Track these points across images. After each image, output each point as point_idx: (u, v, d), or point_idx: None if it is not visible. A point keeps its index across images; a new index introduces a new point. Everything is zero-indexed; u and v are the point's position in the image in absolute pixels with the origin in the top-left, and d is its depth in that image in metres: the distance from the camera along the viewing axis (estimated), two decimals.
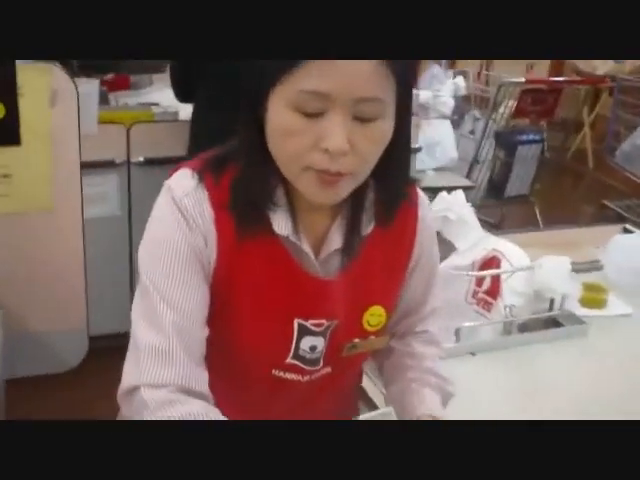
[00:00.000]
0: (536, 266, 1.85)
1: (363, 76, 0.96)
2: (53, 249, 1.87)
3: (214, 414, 1.04)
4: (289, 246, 1.12)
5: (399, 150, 1.09)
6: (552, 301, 1.89)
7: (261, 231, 1.10)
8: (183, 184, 1.09)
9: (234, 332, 1.14)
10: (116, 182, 3.01)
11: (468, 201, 4.19)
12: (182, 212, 1.07)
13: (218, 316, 1.12)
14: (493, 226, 4.42)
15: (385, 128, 1.02)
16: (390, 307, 1.24)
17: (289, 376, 1.19)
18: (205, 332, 1.10)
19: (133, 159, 3.03)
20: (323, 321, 1.16)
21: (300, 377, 1.20)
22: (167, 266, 1.07)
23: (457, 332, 1.81)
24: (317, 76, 0.95)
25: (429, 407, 1.22)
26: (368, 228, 1.16)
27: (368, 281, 1.19)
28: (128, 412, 1.07)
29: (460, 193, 2.15)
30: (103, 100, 3.24)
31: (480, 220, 4.35)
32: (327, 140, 0.97)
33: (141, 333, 1.06)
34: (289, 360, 1.17)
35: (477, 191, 4.31)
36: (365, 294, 1.20)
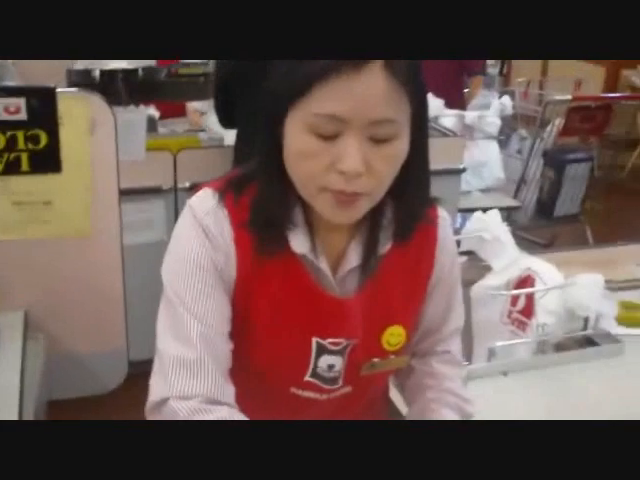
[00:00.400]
0: (569, 284, 1.83)
1: (377, 98, 0.98)
2: (92, 274, 1.92)
3: (240, 418, 1.07)
4: (307, 264, 1.14)
5: (416, 170, 1.11)
6: (587, 320, 1.87)
7: (280, 249, 1.12)
8: (204, 203, 1.12)
9: (253, 349, 1.17)
10: (163, 208, 3.09)
11: (516, 221, 4.21)
12: (204, 230, 1.10)
13: (238, 332, 1.15)
14: (543, 247, 4.38)
15: (400, 148, 1.04)
16: (410, 327, 1.25)
17: (307, 394, 1.21)
18: (230, 346, 1.12)
19: (180, 185, 3.11)
20: (341, 340, 1.18)
21: (319, 395, 1.22)
22: (192, 280, 1.10)
23: (490, 351, 1.81)
24: (331, 99, 0.97)
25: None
26: (385, 247, 1.17)
27: (386, 300, 1.21)
28: None
29: (495, 213, 2.14)
30: (152, 127, 3.35)
31: (529, 241, 4.38)
32: (343, 162, 0.99)
33: (168, 346, 1.09)
34: (307, 378, 1.19)
35: (525, 211, 4.27)
36: (384, 313, 1.21)
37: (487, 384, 1.73)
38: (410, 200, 1.15)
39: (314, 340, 1.17)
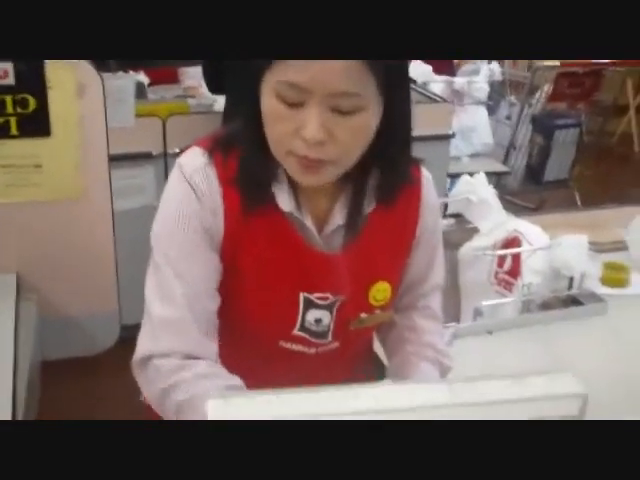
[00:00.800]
0: (554, 245, 1.86)
1: (338, 72, 1.00)
2: (84, 237, 1.94)
3: (220, 371, 1.12)
4: (293, 222, 1.18)
5: (396, 135, 1.14)
6: (571, 280, 1.91)
7: (266, 207, 1.16)
8: (193, 161, 1.16)
9: (241, 303, 1.20)
10: (153, 173, 3.10)
11: (505, 186, 4.24)
12: (192, 187, 1.14)
13: (226, 287, 1.18)
14: (533, 211, 4.42)
15: (366, 120, 1.06)
16: (395, 283, 1.29)
17: (296, 347, 1.25)
18: (216, 302, 1.17)
19: (169, 150, 3.11)
20: (328, 295, 1.21)
21: (307, 349, 1.25)
22: (177, 238, 1.14)
23: (475, 311, 1.84)
24: (293, 69, 1.00)
25: (427, 381, 1.26)
26: (370, 207, 1.21)
27: (372, 258, 1.24)
28: (143, 380, 1.15)
29: (482, 176, 2.17)
30: (141, 94, 3.34)
31: (519, 206, 4.41)
32: (304, 130, 1.03)
33: (154, 306, 1.14)
34: (296, 332, 1.23)
35: (514, 176, 4.30)
36: (370, 270, 1.25)
37: (473, 343, 1.76)
38: (393, 163, 1.18)
39: (301, 295, 1.21)
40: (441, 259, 1.36)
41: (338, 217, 1.19)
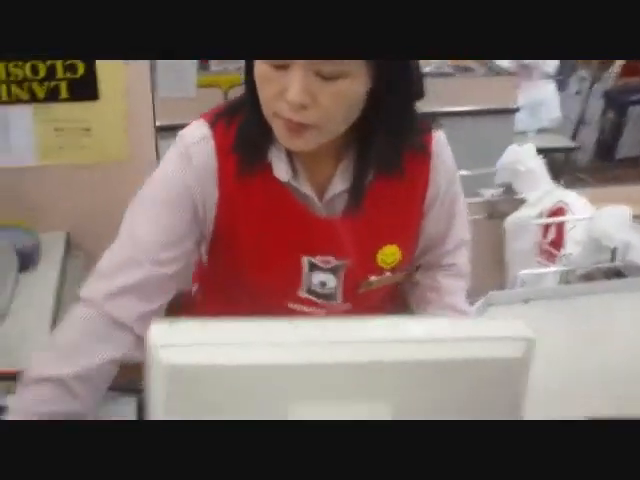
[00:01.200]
0: (595, 216, 1.83)
1: None
2: (130, 200, 2.00)
3: (91, 338, 1.11)
4: (292, 190, 1.19)
5: (395, 102, 1.12)
6: (614, 251, 1.87)
7: (264, 174, 1.18)
8: (193, 133, 1.18)
9: (244, 269, 1.24)
10: None
11: (575, 163, 4.14)
12: (188, 158, 1.16)
13: (226, 255, 1.23)
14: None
15: (350, 87, 1.05)
16: (406, 246, 1.28)
17: (306, 309, 1.28)
18: (169, 268, 1.16)
19: None
20: (331, 258, 1.23)
21: (316, 310, 1.28)
22: (149, 201, 1.19)
23: (514, 280, 1.83)
24: None
25: None
26: (372, 173, 1.20)
27: (377, 223, 1.24)
28: None
29: (530, 146, 2.14)
30: (204, 65, 3.39)
31: (590, 183, 4.29)
32: (287, 92, 1.04)
33: (104, 255, 1.18)
34: (303, 294, 1.26)
35: (584, 153, 4.20)
36: (376, 234, 1.25)
37: (508, 312, 1.73)
38: (395, 130, 1.16)
39: (304, 258, 1.23)
40: (463, 214, 1.36)
41: (339, 183, 1.20)
